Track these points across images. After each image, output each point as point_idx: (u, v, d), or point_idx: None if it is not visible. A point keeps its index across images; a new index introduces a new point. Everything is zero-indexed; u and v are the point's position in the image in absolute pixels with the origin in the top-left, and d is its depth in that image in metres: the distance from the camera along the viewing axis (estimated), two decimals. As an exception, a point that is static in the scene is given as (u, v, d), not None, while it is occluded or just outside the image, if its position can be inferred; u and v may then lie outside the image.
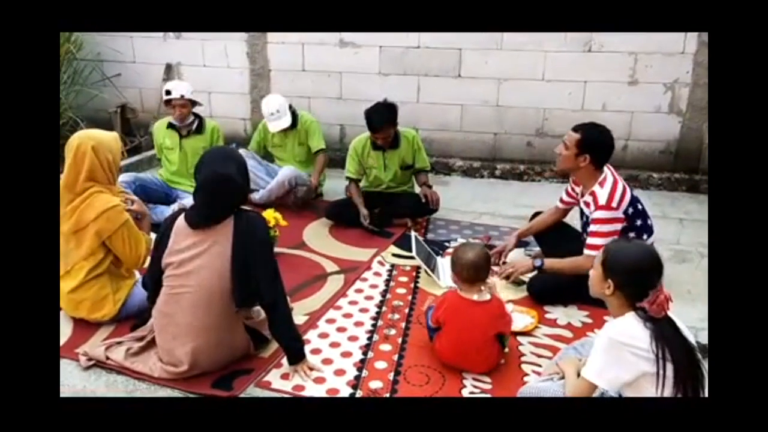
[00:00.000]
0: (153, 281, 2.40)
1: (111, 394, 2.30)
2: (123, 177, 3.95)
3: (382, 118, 3.83)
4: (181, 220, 2.34)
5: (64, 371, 2.43)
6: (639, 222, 2.99)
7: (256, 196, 4.29)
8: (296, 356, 2.42)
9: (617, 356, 1.78)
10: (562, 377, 2.10)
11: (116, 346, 2.50)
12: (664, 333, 1.76)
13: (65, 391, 2.31)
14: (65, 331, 2.70)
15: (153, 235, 2.95)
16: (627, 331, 1.78)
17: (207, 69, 5.61)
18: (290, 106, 4.42)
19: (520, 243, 3.53)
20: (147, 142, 5.46)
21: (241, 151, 4.06)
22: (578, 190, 3.12)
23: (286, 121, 4.34)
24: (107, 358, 2.45)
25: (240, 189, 2.36)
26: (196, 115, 4.31)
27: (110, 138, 2.74)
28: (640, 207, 3.01)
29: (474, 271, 2.43)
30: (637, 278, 1.84)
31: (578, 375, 1.98)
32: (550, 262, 3.04)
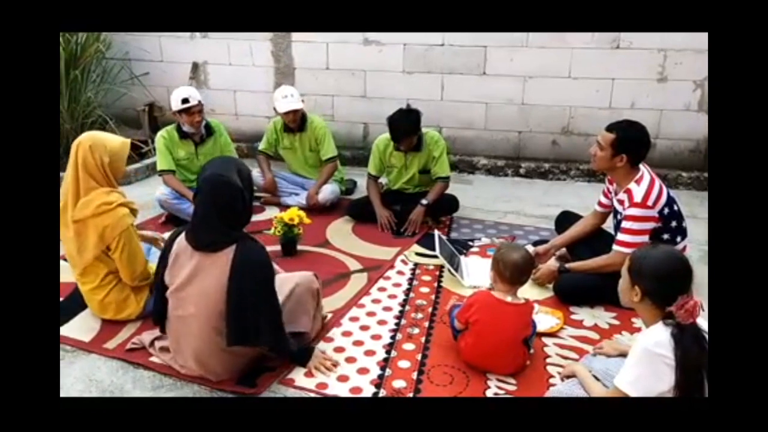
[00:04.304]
0: (157, 297, 2.36)
1: (138, 390, 2.33)
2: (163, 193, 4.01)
3: (403, 128, 3.76)
4: (182, 239, 2.26)
5: (92, 366, 2.47)
6: (674, 224, 2.88)
7: (290, 202, 4.30)
8: (293, 358, 2.44)
9: (652, 367, 1.76)
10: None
11: (158, 340, 2.54)
12: (684, 341, 1.73)
13: (93, 388, 2.35)
14: (94, 326, 2.74)
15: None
16: (660, 341, 1.75)
17: (232, 68, 5.66)
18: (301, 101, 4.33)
19: (540, 241, 3.48)
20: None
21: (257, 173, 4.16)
22: (612, 188, 3.06)
23: (298, 104, 4.22)
24: (150, 344, 2.51)
25: (240, 194, 2.18)
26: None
27: (114, 142, 2.67)
28: (676, 208, 2.89)
29: (518, 273, 2.41)
30: (665, 283, 1.81)
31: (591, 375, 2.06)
32: (575, 265, 3.01)
